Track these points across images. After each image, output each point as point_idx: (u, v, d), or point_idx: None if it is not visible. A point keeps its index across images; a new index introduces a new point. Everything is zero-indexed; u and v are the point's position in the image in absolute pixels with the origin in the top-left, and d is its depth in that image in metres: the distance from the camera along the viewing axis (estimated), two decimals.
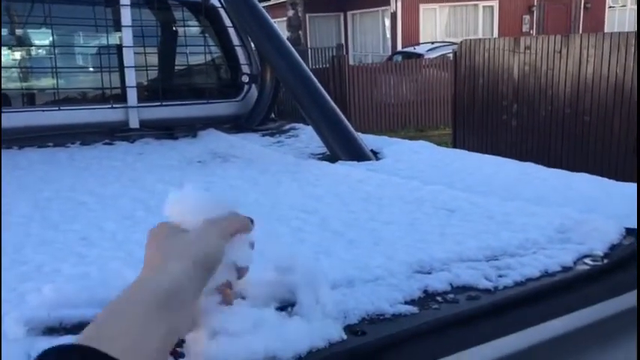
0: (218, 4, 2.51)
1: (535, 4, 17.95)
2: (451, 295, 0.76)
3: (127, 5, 2.32)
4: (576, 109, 7.07)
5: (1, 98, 2.03)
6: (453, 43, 12.30)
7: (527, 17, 18.21)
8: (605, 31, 14.50)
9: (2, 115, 2.15)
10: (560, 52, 7.17)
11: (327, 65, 11.71)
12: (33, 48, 2.65)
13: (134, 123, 2.35)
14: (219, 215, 0.65)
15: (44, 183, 1.58)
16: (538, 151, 7.38)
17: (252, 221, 0.68)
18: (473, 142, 8.30)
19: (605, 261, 0.86)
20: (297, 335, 0.61)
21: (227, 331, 0.60)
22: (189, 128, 2.36)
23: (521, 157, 1.97)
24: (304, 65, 2.12)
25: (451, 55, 8.98)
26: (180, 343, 0.60)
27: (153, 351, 0.51)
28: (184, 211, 0.67)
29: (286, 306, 0.67)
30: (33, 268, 0.91)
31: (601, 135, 6.80)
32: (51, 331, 0.70)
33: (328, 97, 2.03)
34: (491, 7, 18.05)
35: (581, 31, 16.74)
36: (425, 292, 0.77)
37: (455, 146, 8.33)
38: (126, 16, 2.34)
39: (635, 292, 0.81)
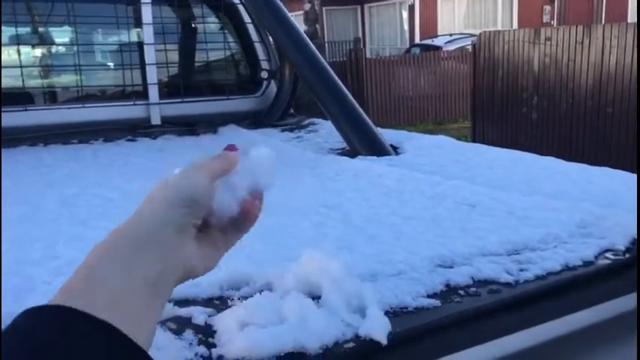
0: (237, 1, 2.54)
1: None
2: (473, 289, 0.77)
3: (147, 3, 2.35)
4: (598, 102, 6.97)
5: (1, 97, 2.07)
6: (472, 35, 12.19)
7: (547, 7, 17.97)
8: (629, 20, 14.23)
9: (27, 112, 2.21)
10: (582, 42, 7.07)
11: (345, 59, 11.68)
12: (56, 46, 2.69)
13: (156, 119, 2.38)
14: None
15: (71, 179, 1.62)
16: (559, 145, 7.31)
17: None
18: (492, 136, 8.24)
19: (627, 255, 0.87)
20: (324, 327, 0.63)
21: (256, 322, 0.62)
22: (209, 124, 2.39)
23: (542, 150, 1.97)
24: (322, 60, 2.13)
25: (470, 47, 8.90)
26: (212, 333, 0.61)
27: (134, 297, 0.48)
28: None
29: (313, 298, 0.69)
30: (65, 263, 0.94)
31: (624, 128, 6.69)
32: None
33: (347, 92, 2.04)
34: None
35: (603, 21, 16.46)
36: (447, 285, 0.78)
37: (474, 139, 8.27)
38: (147, 13, 2.37)
39: None
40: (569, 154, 6.94)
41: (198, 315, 0.69)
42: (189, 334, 0.66)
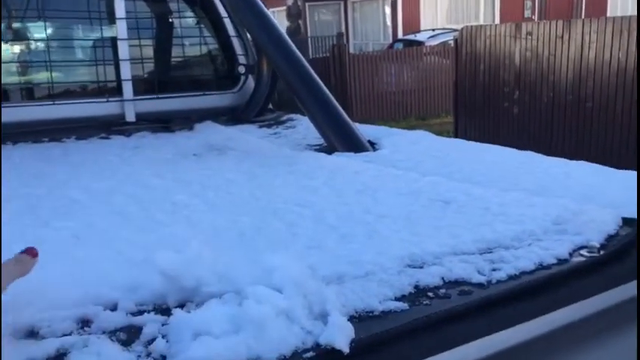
0: None
1: None
2: (443, 291, 0.75)
3: None
4: (578, 95, 7.02)
5: (0, 96, 2.01)
6: (455, 30, 12.21)
7: (528, 2, 18.06)
8: (608, 15, 14.36)
9: None
10: (562, 37, 7.11)
11: (328, 54, 11.64)
12: (27, 42, 2.62)
13: (130, 116, 2.33)
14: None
15: (38, 179, 1.57)
16: (540, 138, 7.35)
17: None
18: (474, 130, 8.26)
19: (602, 252, 0.84)
20: (282, 335, 0.60)
21: (210, 332, 0.59)
22: (185, 121, 2.34)
23: (523, 144, 1.95)
24: (300, 55, 2.09)
25: (452, 42, 8.91)
26: None
27: None
28: None
29: (273, 304, 0.65)
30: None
31: (603, 121, 6.75)
32: (35, 333, 0.69)
33: (325, 88, 2.01)
34: None
35: (583, 16, 16.60)
36: (416, 287, 0.75)
37: (456, 134, 8.29)
38: (120, 8, 2.31)
39: (633, 284, 0.79)
40: (549, 147, 6.99)
41: (150, 324, 0.65)
42: (138, 345, 0.62)
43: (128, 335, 0.64)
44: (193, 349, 0.57)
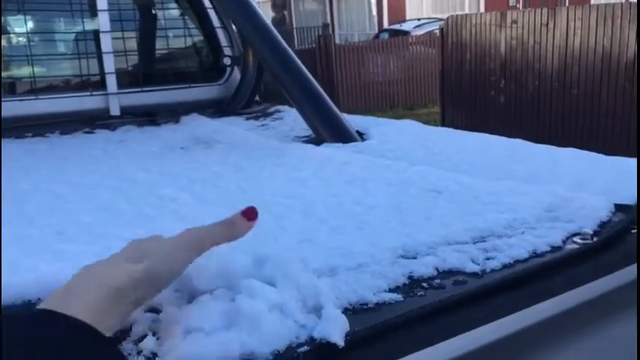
0: None
1: None
2: (437, 281, 0.74)
3: None
4: (564, 83, 7.05)
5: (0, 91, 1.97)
6: (440, 19, 12.21)
7: None
8: (592, 3, 14.43)
9: None
10: (547, 25, 7.13)
11: (314, 45, 11.60)
12: (7, 35, 2.57)
13: (115, 110, 2.30)
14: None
15: (23, 175, 1.54)
16: (527, 126, 7.39)
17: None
18: (461, 119, 8.29)
19: (595, 239, 0.84)
20: (275, 330, 0.58)
21: (201, 328, 0.58)
22: (171, 114, 2.32)
23: (510, 132, 1.95)
24: (286, 46, 2.07)
25: (438, 31, 8.91)
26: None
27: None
28: None
29: (264, 300, 0.64)
30: (6, 264, 0.88)
31: (589, 107, 6.79)
32: None
33: (312, 78, 1.99)
34: None
35: (567, 4, 16.66)
36: (410, 278, 0.74)
37: (443, 124, 8.31)
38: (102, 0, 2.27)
39: (627, 270, 0.79)
40: (536, 135, 7.02)
41: (140, 320, 0.63)
42: (128, 342, 0.60)
43: (117, 333, 0.62)
44: (184, 347, 0.56)
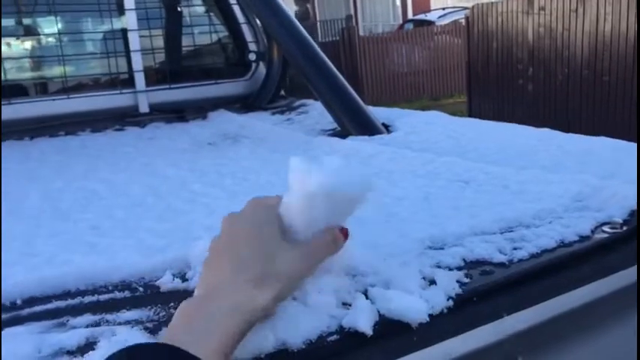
0: None
1: None
2: (464, 271, 0.74)
3: None
4: (594, 70, 6.91)
5: (0, 94, 2.03)
6: (465, 8, 12.06)
7: None
8: None
9: (13, 105, 2.16)
10: (577, 11, 6.98)
11: (337, 38, 11.57)
12: (39, 37, 2.64)
13: (144, 107, 2.34)
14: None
15: (56, 173, 1.58)
16: (556, 115, 7.26)
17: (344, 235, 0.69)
18: (488, 109, 8.19)
19: (624, 228, 0.83)
20: (306, 320, 0.60)
21: None
22: (199, 110, 2.35)
23: (539, 121, 1.93)
24: (311, 40, 2.08)
25: (463, 20, 8.81)
26: None
27: None
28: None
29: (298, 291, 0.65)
30: (44, 261, 0.91)
31: (621, 95, 6.64)
32: (61, 324, 0.70)
33: (337, 72, 1.99)
34: None
35: None
36: (437, 268, 0.75)
37: (470, 114, 8.22)
38: None
39: None
40: (567, 124, 6.90)
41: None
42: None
43: (158, 322, 0.64)
44: None
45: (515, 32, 7.71)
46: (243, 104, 2.44)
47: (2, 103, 2.12)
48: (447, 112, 1.98)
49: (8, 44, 2.49)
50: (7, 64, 2.26)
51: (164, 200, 1.24)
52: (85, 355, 0.58)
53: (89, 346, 0.60)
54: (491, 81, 8.16)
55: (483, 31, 8.07)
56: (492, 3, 8.22)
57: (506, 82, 7.96)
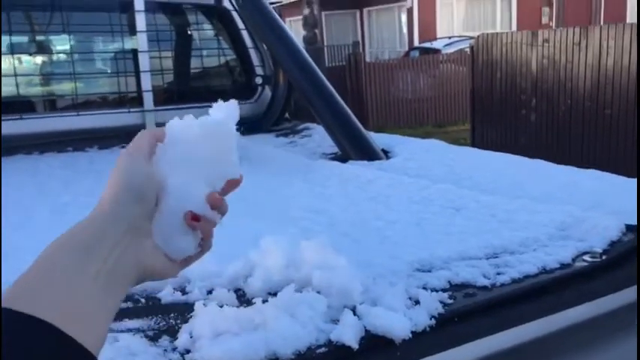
0: (231, 8, 2.55)
1: None
2: (449, 293, 0.78)
3: (141, 11, 2.37)
4: (597, 103, 6.97)
5: (0, 104, 2.09)
6: (471, 38, 12.20)
7: (546, 9, 17.97)
8: (628, 21, 14.22)
9: (23, 121, 2.22)
10: (580, 44, 7.08)
11: (344, 63, 11.70)
12: (51, 54, 2.71)
13: (151, 126, 2.39)
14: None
15: (64, 188, 1.63)
16: (558, 146, 7.31)
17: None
18: (492, 138, 8.24)
19: (604, 257, 0.88)
20: (296, 333, 0.64)
21: (230, 330, 0.64)
22: None
23: (541, 151, 1.98)
24: (315, 67, 2.14)
25: (468, 49, 8.92)
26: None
27: (84, 296, 0.47)
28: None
29: (289, 305, 0.70)
30: None
31: (623, 128, 6.69)
32: None
33: (339, 97, 2.05)
34: None
35: (602, 22, 16.46)
36: (424, 289, 0.79)
37: (473, 142, 8.28)
38: (140, 21, 2.38)
39: (633, 289, 0.83)
40: (568, 155, 6.95)
41: (175, 321, 0.70)
42: (164, 340, 0.67)
43: (154, 332, 0.69)
44: (214, 346, 0.62)
45: (520, 63, 7.80)
46: (248, 126, 2.50)
47: (13, 118, 2.18)
48: (451, 139, 2.04)
49: (19, 60, 2.56)
50: (20, 80, 2.32)
51: None
52: None
53: None
54: (494, 110, 8.22)
55: (488, 60, 8.16)
56: (497, 33, 8.34)
57: (509, 111, 8.02)
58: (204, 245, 0.59)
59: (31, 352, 0.42)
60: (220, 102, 0.63)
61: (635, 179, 1.31)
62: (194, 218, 0.56)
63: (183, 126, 0.60)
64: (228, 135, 0.61)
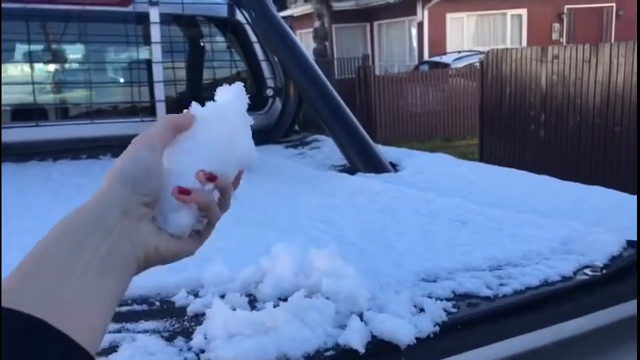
0: (244, 21, 2.61)
1: (565, 11, 17.74)
2: (453, 302, 0.81)
3: (156, 23, 2.42)
4: (606, 120, 6.97)
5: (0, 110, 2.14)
6: (481, 52, 12.24)
7: (557, 25, 18.01)
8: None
9: (39, 128, 2.27)
10: (589, 61, 7.10)
11: (354, 75, 11.76)
12: (67, 64, 2.77)
13: None
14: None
15: (77, 194, 1.67)
16: (567, 162, 7.31)
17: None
18: (500, 152, 8.25)
19: (604, 271, 0.90)
20: (306, 337, 0.67)
21: (243, 333, 0.67)
22: None
23: (549, 167, 2.00)
24: (325, 79, 2.18)
25: (478, 64, 8.96)
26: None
27: (78, 286, 0.46)
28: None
29: (300, 310, 0.73)
30: None
31: (632, 145, 6.69)
32: None
33: (348, 110, 2.09)
34: (520, 15, 17.91)
35: (613, 39, 16.47)
36: (429, 298, 0.82)
37: (482, 156, 8.29)
38: (155, 32, 2.44)
39: (633, 302, 0.85)
40: (576, 171, 6.94)
41: (190, 324, 0.73)
42: (180, 341, 0.70)
43: (170, 333, 0.72)
44: (228, 348, 0.65)
45: (529, 79, 7.83)
46: (259, 137, 2.53)
47: (28, 125, 2.23)
48: (459, 153, 2.06)
49: (37, 69, 2.62)
50: (36, 88, 2.37)
51: None
52: (109, 356, 0.65)
53: (113, 348, 0.68)
54: (503, 125, 8.24)
55: (497, 75, 8.20)
56: (507, 49, 8.38)
57: (518, 126, 8.04)
58: (210, 217, 0.59)
59: (18, 347, 0.41)
60: (225, 86, 0.62)
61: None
62: (182, 192, 0.56)
63: (201, 113, 0.60)
64: (238, 116, 0.60)
